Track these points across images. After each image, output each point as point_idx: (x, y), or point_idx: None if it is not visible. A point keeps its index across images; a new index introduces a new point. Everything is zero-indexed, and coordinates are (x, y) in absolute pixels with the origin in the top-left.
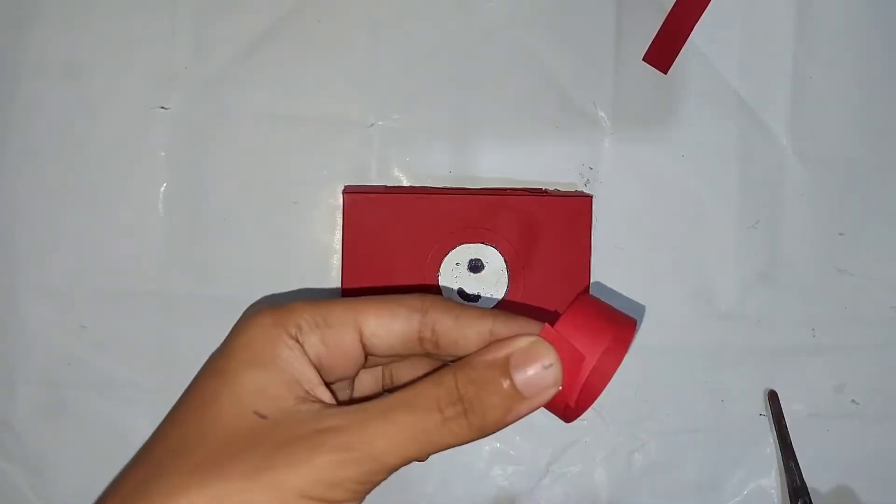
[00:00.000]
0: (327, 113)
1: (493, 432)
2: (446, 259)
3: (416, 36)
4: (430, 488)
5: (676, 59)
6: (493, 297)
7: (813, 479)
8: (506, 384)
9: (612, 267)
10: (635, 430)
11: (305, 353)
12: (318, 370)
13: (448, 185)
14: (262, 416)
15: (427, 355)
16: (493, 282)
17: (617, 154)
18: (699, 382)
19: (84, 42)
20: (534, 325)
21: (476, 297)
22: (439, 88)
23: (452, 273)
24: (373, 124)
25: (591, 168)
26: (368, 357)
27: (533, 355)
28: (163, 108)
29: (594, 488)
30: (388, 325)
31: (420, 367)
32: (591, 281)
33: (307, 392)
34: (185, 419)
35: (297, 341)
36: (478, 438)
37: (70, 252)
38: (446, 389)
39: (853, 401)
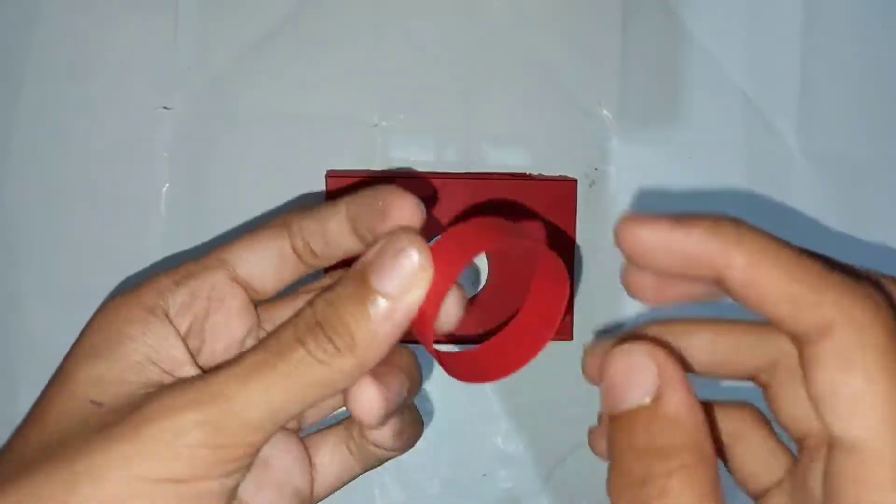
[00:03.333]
0: (331, 112)
1: (376, 355)
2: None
3: (420, 35)
4: (435, 490)
5: (681, 59)
6: (475, 284)
7: None
8: (362, 287)
9: (617, 269)
10: None
11: (171, 324)
12: (197, 340)
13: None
14: (98, 404)
15: (313, 269)
16: (472, 268)
17: (622, 154)
18: (705, 385)
19: (86, 42)
20: (392, 197)
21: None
22: (443, 88)
23: None
24: (377, 124)
25: (596, 168)
26: (253, 295)
27: (386, 246)
28: (165, 108)
29: (599, 492)
30: (256, 251)
31: None
32: (592, 281)
33: (165, 373)
34: (26, 432)
35: (159, 313)
36: (359, 368)
37: (72, 252)
38: (304, 318)
39: None
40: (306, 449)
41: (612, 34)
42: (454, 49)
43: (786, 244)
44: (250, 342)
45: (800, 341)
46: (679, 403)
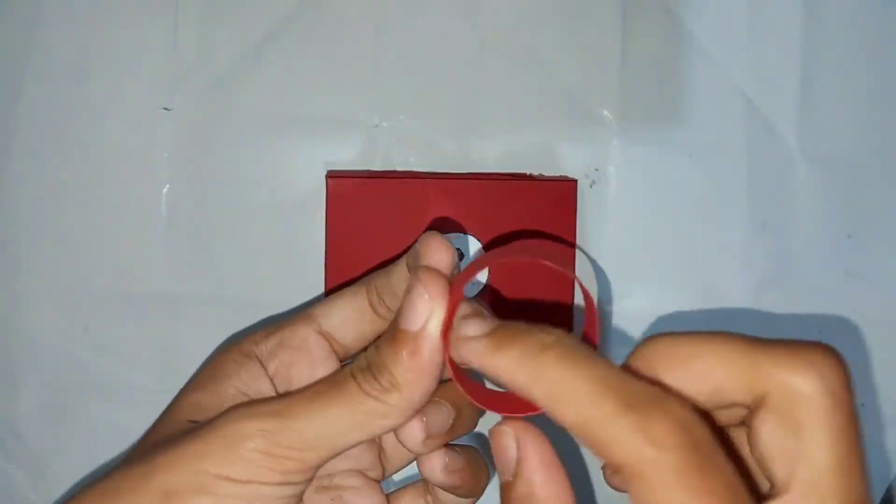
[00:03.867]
0: (331, 114)
1: (418, 389)
2: None
3: (421, 36)
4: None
5: (682, 60)
6: (475, 282)
7: None
8: (394, 330)
9: (617, 268)
10: None
11: (262, 365)
12: (284, 382)
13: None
14: (194, 422)
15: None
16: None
17: (623, 155)
18: None
19: (87, 44)
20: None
21: None
22: (444, 89)
23: None
24: (377, 125)
25: (596, 169)
26: (339, 348)
27: (407, 289)
28: (166, 109)
29: (600, 492)
30: (339, 308)
31: None
32: (593, 281)
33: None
34: (136, 449)
35: (252, 356)
36: (406, 402)
37: (72, 253)
38: (357, 360)
39: (861, 404)
40: (387, 499)
41: (612, 35)
42: (454, 49)
43: (700, 342)
44: None
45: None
46: (530, 481)
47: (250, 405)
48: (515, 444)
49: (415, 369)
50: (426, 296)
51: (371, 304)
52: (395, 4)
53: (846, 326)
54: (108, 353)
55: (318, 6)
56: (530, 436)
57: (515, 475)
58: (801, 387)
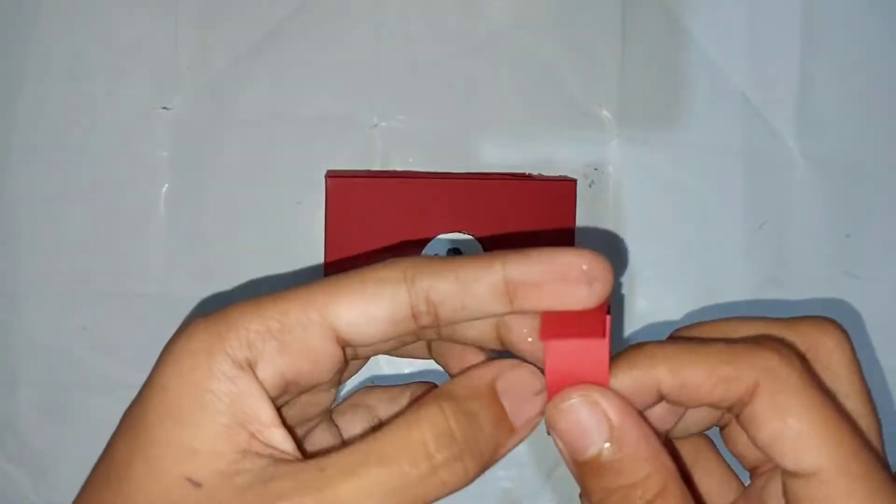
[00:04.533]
0: (330, 113)
1: (476, 478)
2: (425, 249)
3: (420, 36)
4: None
5: (681, 61)
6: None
7: None
8: (497, 414)
9: (616, 268)
10: None
11: (257, 380)
12: (279, 396)
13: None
14: (196, 483)
15: (420, 330)
16: None
17: (622, 155)
18: None
19: (87, 42)
20: (555, 274)
21: None
22: (443, 89)
23: None
24: (376, 125)
25: (595, 169)
26: (349, 350)
27: (522, 379)
28: (165, 108)
29: None
30: (368, 310)
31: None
32: None
33: (252, 437)
34: (100, 495)
35: (246, 366)
36: (461, 489)
37: (71, 253)
38: (434, 428)
39: None
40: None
41: (611, 35)
42: (454, 49)
43: (691, 345)
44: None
45: (736, 409)
46: (636, 442)
47: (290, 493)
48: (604, 415)
49: (496, 459)
50: (541, 403)
51: (414, 313)
52: (395, 4)
53: (844, 326)
54: (107, 352)
55: (317, 6)
56: (619, 401)
57: (615, 440)
58: (817, 349)
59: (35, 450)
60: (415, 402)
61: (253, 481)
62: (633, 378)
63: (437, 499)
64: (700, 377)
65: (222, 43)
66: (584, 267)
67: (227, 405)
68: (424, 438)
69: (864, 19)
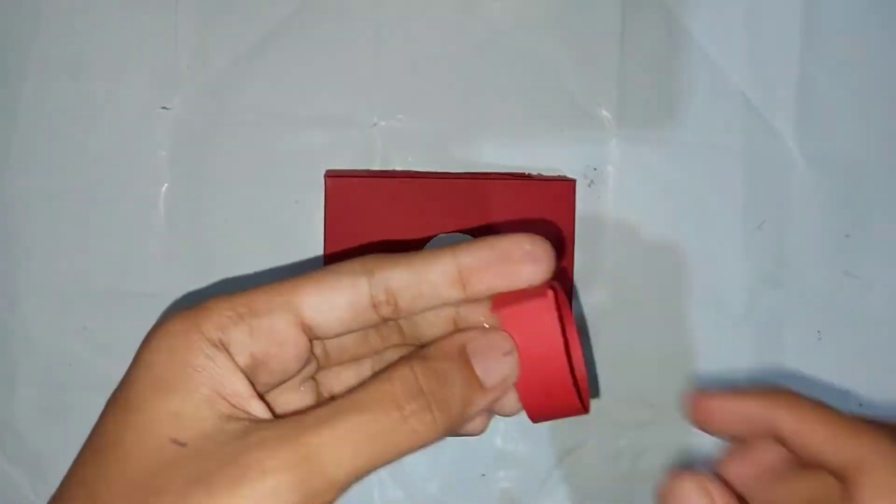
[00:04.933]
0: (330, 113)
1: (452, 432)
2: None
3: (420, 36)
4: (433, 489)
5: (681, 61)
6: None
7: None
8: (466, 373)
9: (615, 268)
10: (640, 435)
11: (232, 358)
12: (253, 375)
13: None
14: (181, 444)
15: (383, 321)
16: None
17: (622, 155)
18: (705, 385)
19: (87, 42)
20: (502, 256)
21: None
22: (443, 89)
23: None
24: (376, 124)
25: (595, 169)
26: (315, 342)
27: (491, 342)
28: (164, 108)
29: (598, 492)
30: (329, 298)
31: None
32: (589, 279)
33: (234, 407)
34: (87, 467)
35: (220, 345)
36: (436, 440)
37: (71, 252)
38: (404, 382)
39: (860, 405)
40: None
41: (611, 35)
42: (454, 50)
43: (824, 406)
44: (306, 385)
45: (841, 476)
46: None
47: (270, 443)
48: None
49: (467, 414)
50: (515, 362)
51: (373, 302)
52: (394, 4)
53: (844, 326)
54: (107, 351)
55: (317, 6)
56: (722, 492)
57: None
58: None
59: (34, 450)
60: (389, 366)
61: (234, 436)
62: (757, 405)
63: (411, 449)
64: (819, 430)
65: (222, 43)
66: (528, 248)
67: (207, 377)
68: (395, 391)
69: (863, 20)
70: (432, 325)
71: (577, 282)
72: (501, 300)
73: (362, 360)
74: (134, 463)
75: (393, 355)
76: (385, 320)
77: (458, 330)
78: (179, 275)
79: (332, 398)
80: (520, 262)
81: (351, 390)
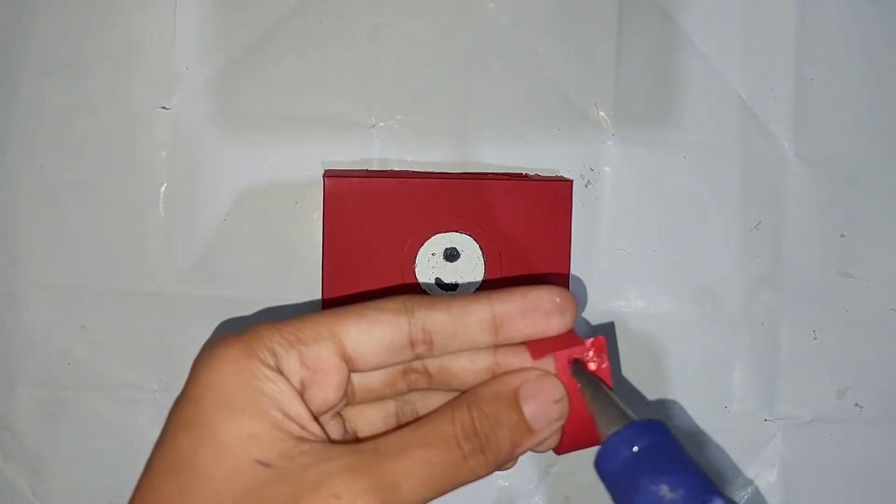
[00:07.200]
0: (329, 113)
1: (500, 468)
2: (422, 248)
3: (418, 37)
4: None
5: (677, 61)
6: (471, 282)
7: (815, 484)
8: (516, 417)
9: (612, 269)
10: None
11: (289, 382)
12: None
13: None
14: (265, 465)
15: (417, 359)
16: (469, 269)
17: (618, 155)
18: (702, 385)
19: (86, 42)
20: (534, 306)
21: (454, 286)
22: (441, 89)
23: (429, 263)
24: (374, 125)
25: (591, 169)
26: (352, 374)
27: (543, 388)
28: (164, 108)
29: (595, 491)
30: (370, 331)
31: (438, 399)
32: (591, 281)
33: (302, 427)
34: (165, 483)
35: (278, 370)
36: (486, 476)
37: (70, 252)
38: (463, 425)
39: (856, 404)
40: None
41: (608, 36)
42: (451, 50)
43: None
44: (335, 419)
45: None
46: None
47: (353, 469)
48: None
49: (514, 456)
50: (564, 409)
51: (410, 340)
52: (393, 5)
53: (840, 325)
54: (106, 351)
55: (316, 6)
56: None
57: None
58: None
59: (33, 449)
60: (451, 400)
61: (316, 459)
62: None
63: (466, 483)
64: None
65: (221, 43)
66: (557, 300)
67: (274, 400)
68: (456, 432)
69: (858, 21)
70: (466, 370)
71: (573, 281)
72: (535, 349)
73: (385, 401)
74: (218, 483)
75: (417, 398)
76: (417, 357)
77: (508, 372)
78: (178, 274)
79: (394, 430)
80: (550, 312)
81: (413, 425)
